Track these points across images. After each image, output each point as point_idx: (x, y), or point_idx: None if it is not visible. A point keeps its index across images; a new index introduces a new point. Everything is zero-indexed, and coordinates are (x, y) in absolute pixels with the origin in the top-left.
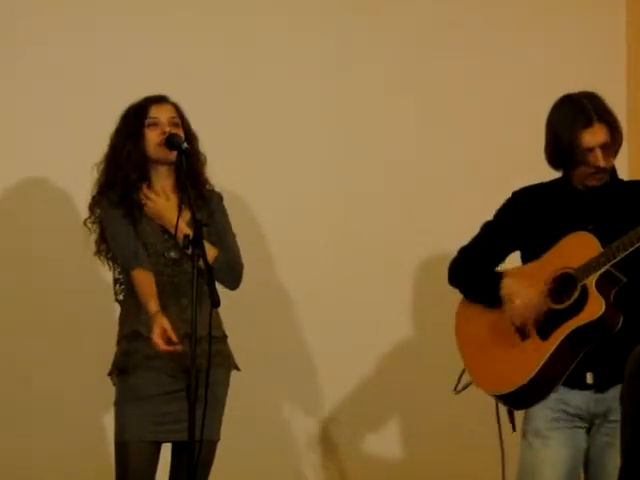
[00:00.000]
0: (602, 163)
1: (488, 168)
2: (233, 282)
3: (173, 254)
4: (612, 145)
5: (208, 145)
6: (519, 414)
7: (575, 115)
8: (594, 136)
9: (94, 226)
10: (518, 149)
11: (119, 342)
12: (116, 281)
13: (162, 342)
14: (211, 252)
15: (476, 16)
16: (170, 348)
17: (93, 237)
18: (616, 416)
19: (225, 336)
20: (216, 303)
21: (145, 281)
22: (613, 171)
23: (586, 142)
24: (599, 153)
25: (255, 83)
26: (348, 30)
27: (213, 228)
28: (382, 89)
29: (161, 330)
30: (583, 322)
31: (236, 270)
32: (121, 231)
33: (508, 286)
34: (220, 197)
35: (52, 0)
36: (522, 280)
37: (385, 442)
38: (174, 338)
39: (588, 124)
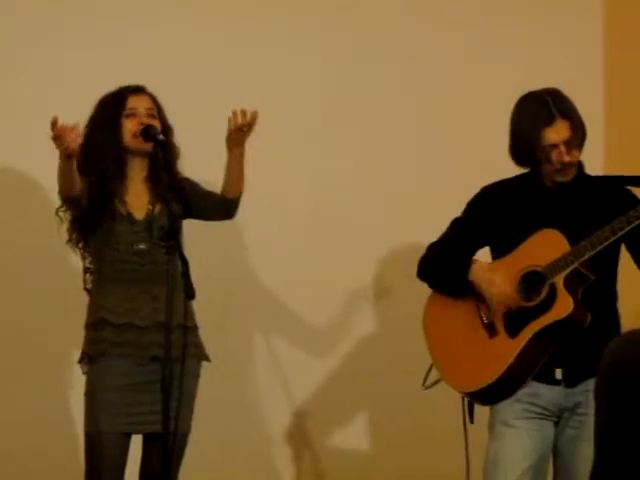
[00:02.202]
0: (567, 159)
1: (471, 167)
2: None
3: (142, 245)
4: (575, 140)
5: (194, 139)
6: (479, 407)
7: (537, 113)
8: (557, 133)
9: (66, 215)
10: (500, 148)
11: (86, 328)
12: (86, 270)
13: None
14: (242, 182)
15: (467, 16)
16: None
17: (65, 226)
18: (584, 409)
19: (196, 327)
20: (191, 295)
21: None
22: (580, 167)
23: (549, 139)
24: (563, 149)
25: (244, 81)
26: (341, 30)
27: (200, 195)
28: (371, 88)
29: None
30: (551, 320)
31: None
32: None
33: (482, 272)
34: (189, 180)
35: None
36: (496, 270)
37: (356, 435)
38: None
39: (550, 121)
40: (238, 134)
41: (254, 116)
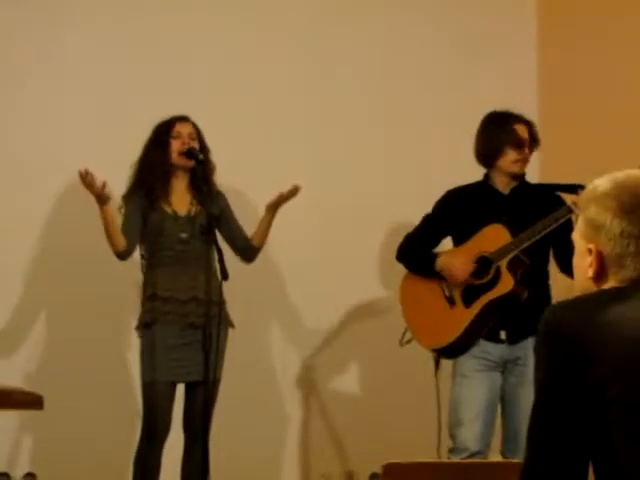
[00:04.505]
0: (526, 150)
1: (413, 166)
2: (254, 257)
3: (184, 235)
4: (529, 141)
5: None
6: (444, 361)
7: (505, 114)
8: (522, 129)
9: (121, 209)
10: (447, 150)
11: (142, 303)
12: (142, 257)
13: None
14: (266, 238)
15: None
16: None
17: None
18: (524, 361)
19: (224, 301)
20: (225, 277)
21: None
22: (523, 176)
23: (519, 132)
24: (527, 141)
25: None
26: (327, 32)
27: (230, 222)
28: (355, 87)
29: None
30: (497, 295)
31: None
32: (131, 216)
33: (445, 260)
34: (224, 196)
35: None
36: (455, 255)
37: (351, 381)
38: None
39: (518, 120)
40: (281, 203)
41: (296, 190)
